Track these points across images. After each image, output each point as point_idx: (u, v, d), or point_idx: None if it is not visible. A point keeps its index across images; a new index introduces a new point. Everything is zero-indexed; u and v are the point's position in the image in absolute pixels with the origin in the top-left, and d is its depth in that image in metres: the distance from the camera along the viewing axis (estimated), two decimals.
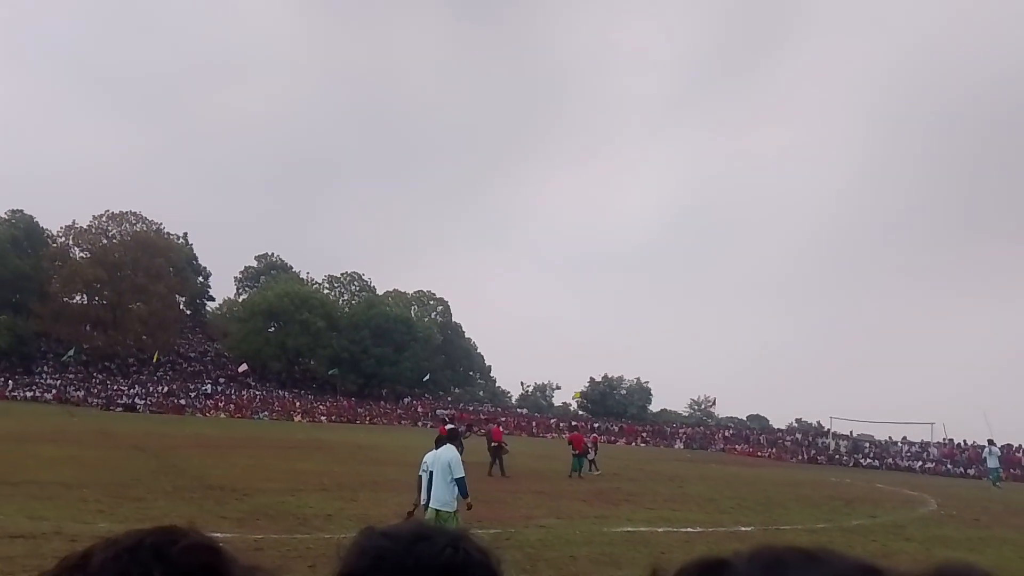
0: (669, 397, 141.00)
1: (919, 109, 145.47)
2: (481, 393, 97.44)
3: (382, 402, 72.74)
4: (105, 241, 69.73)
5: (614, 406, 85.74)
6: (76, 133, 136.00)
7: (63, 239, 70.19)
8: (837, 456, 56.15)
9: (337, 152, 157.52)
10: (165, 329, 70.23)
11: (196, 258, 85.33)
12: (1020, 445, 49.69)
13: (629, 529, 12.96)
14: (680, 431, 73.24)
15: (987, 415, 70.09)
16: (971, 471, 45.98)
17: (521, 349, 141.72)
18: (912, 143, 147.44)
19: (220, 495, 13.75)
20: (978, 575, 0.61)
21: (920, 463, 51.56)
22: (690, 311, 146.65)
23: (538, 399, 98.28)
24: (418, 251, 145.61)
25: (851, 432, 62.30)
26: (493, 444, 23.09)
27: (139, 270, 67.84)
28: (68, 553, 0.76)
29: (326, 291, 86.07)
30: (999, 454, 34.61)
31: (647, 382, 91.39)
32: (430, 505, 8.77)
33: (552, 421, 73.58)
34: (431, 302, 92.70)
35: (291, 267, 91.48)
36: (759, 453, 60.38)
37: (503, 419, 53.71)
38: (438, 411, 68.37)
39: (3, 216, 70.21)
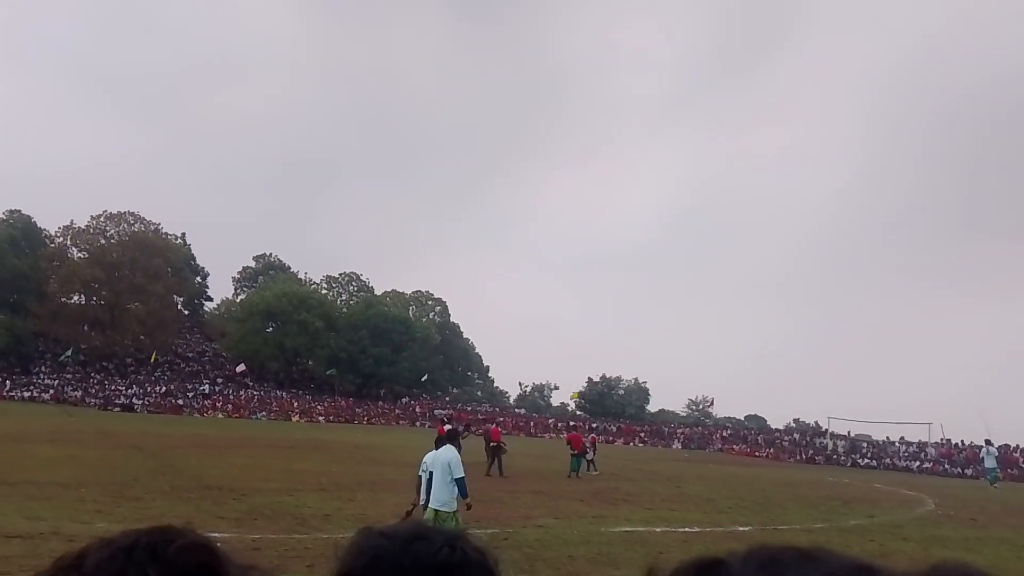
0: (667, 397, 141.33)
1: (919, 109, 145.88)
2: (479, 393, 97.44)
3: (380, 402, 72.72)
4: (103, 241, 69.68)
5: (612, 406, 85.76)
6: (74, 133, 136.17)
7: (61, 239, 70.15)
8: (835, 456, 56.22)
9: (336, 152, 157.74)
10: (163, 329, 70.20)
11: (194, 258, 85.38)
12: (1017, 445, 49.80)
13: (627, 529, 12.96)
14: (678, 431, 73.29)
15: (984, 415, 70.35)
16: (968, 471, 46.07)
17: (520, 349, 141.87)
18: (912, 143, 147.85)
19: (218, 495, 13.74)
20: (971, 574, 0.61)
21: (918, 463, 51.64)
22: (690, 311, 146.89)
23: (536, 399, 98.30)
24: (417, 251, 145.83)
25: (849, 432, 62.43)
26: (492, 444, 23.09)
27: (137, 270, 67.78)
28: (63, 553, 0.76)
29: (324, 291, 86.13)
30: (996, 454, 34.66)
31: (645, 382, 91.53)
32: (430, 505, 8.77)
33: (550, 421, 73.59)
34: (429, 302, 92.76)
35: (289, 267, 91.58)
36: (757, 453, 60.43)
37: (501, 419, 53.68)
38: (436, 411, 68.38)
39: (1, 216, 70.14)
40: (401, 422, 65.61)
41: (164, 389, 63.25)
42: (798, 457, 57.00)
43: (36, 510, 10.98)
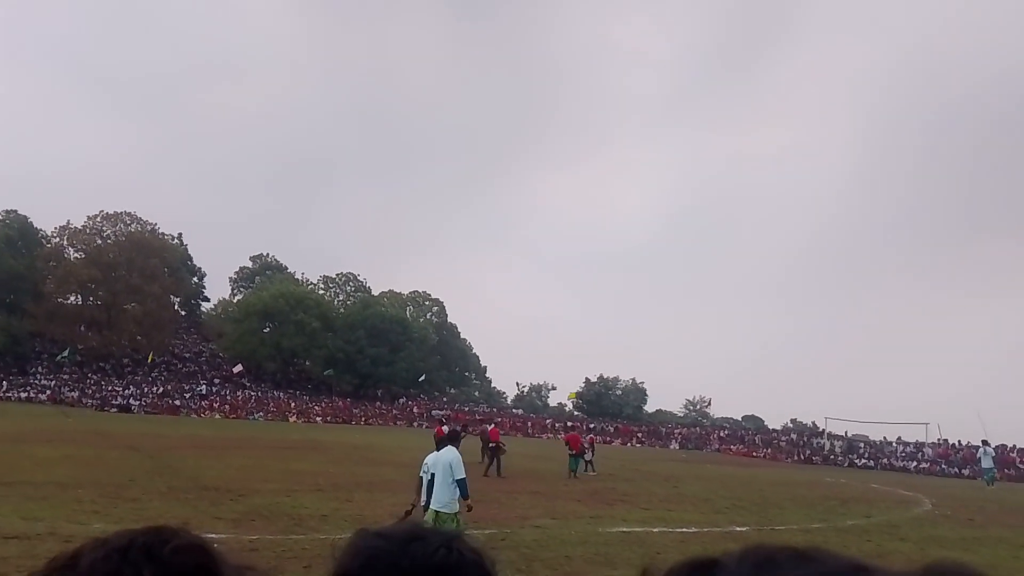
0: (665, 397, 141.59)
1: (919, 109, 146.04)
2: (477, 394, 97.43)
3: (377, 403, 72.65)
4: (100, 241, 69.58)
5: (609, 406, 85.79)
6: (71, 133, 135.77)
7: (57, 239, 70.00)
8: (832, 456, 56.29)
9: (333, 152, 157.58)
10: (160, 330, 70.11)
11: (191, 258, 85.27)
12: (1014, 445, 49.90)
13: (624, 529, 12.97)
14: (675, 431, 73.34)
15: (981, 415, 70.47)
16: (966, 471, 46.14)
17: (520, 349, 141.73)
18: (912, 143, 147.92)
19: (215, 496, 13.73)
20: (967, 574, 0.60)
21: (915, 463, 51.73)
22: (689, 311, 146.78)
23: (533, 400, 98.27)
24: (414, 252, 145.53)
25: (846, 432, 62.55)
26: (491, 444, 23.09)
27: (134, 270, 67.70)
28: (57, 553, 0.76)
29: (321, 292, 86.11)
30: (993, 454, 34.70)
31: (642, 383, 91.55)
32: (431, 506, 8.76)
33: (548, 422, 73.57)
34: (426, 302, 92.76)
35: (286, 267, 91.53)
36: (754, 453, 60.48)
37: (498, 419, 53.68)
38: (434, 412, 68.33)
39: None
40: (398, 422, 65.57)
41: (161, 390, 63.14)
42: (795, 457, 57.05)
43: (33, 511, 10.97)
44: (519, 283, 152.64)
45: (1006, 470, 43.84)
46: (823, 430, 63.68)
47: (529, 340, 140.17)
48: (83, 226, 69.61)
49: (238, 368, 65.47)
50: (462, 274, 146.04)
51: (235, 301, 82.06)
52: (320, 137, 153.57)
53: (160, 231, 75.23)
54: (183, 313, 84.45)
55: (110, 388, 61.22)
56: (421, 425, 61.60)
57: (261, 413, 59.98)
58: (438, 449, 9.28)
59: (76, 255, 68.51)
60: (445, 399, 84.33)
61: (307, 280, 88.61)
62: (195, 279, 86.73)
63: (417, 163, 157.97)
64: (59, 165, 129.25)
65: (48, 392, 57.52)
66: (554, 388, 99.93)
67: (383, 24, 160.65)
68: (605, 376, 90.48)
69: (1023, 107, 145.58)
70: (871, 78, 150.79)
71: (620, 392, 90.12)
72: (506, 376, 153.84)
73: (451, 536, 0.91)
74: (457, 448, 9.29)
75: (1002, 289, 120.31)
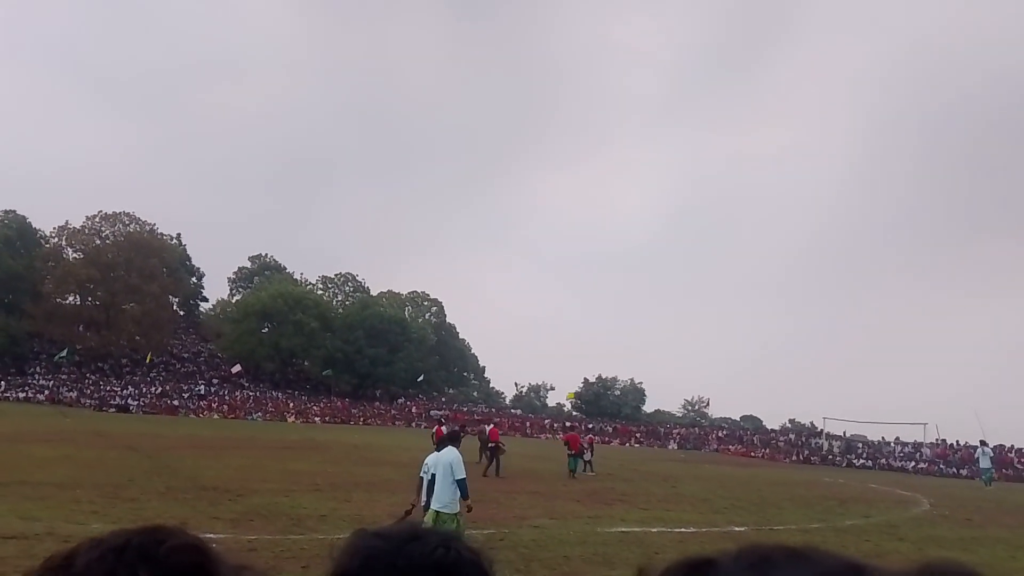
0: (663, 398, 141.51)
1: (919, 108, 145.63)
2: (475, 394, 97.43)
3: (376, 403, 72.65)
4: (98, 241, 69.52)
5: (608, 407, 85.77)
6: (70, 133, 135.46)
7: (56, 239, 69.90)
8: (830, 456, 56.32)
9: (332, 152, 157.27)
10: (158, 330, 70.07)
11: (190, 259, 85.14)
12: (1012, 445, 49.96)
13: (623, 529, 12.98)
14: (674, 431, 73.35)
15: (979, 415, 70.54)
16: (964, 471, 46.17)
17: (519, 349, 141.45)
18: (912, 142, 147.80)
19: (214, 496, 13.72)
20: (963, 573, 0.60)
21: (913, 463, 51.77)
22: (689, 311, 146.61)
23: (532, 400, 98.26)
24: (414, 252, 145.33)
25: (844, 432, 62.58)
26: (490, 444, 23.12)
27: (132, 270, 67.63)
28: (53, 553, 0.75)
29: (320, 292, 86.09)
30: (991, 454, 34.75)
31: (641, 383, 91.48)
32: (431, 507, 8.76)
33: (546, 422, 73.56)
34: (425, 303, 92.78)
35: (285, 268, 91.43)
36: (753, 453, 60.50)
37: (497, 419, 53.67)
38: (432, 412, 68.31)
39: None
40: (397, 423, 65.56)
41: (159, 390, 63.10)
42: (794, 457, 57.08)
43: (31, 511, 10.96)
44: (519, 283, 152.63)
45: (1004, 470, 43.89)
46: (821, 430, 63.73)
47: (528, 340, 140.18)
48: (82, 226, 69.56)
49: (236, 368, 65.43)
50: (461, 274, 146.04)
51: (234, 301, 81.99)
52: (320, 137, 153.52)
53: (159, 231, 75.26)
54: (182, 313, 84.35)
55: (108, 388, 61.16)
56: (420, 425, 61.57)
57: (260, 413, 59.95)
58: (438, 449, 9.28)
59: (75, 255, 68.43)
60: (444, 399, 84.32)
61: (306, 280, 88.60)
62: (194, 279, 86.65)
63: (417, 163, 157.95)
64: (58, 165, 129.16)
65: (46, 392, 57.47)
66: (552, 388, 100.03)
67: (383, 24, 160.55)
68: (604, 376, 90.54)
69: (1023, 107, 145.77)
70: (871, 78, 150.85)
71: (619, 392, 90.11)
72: (505, 376, 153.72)
73: (449, 536, 0.92)
74: (457, 448, 9.30)
75: (1002, 289, 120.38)
